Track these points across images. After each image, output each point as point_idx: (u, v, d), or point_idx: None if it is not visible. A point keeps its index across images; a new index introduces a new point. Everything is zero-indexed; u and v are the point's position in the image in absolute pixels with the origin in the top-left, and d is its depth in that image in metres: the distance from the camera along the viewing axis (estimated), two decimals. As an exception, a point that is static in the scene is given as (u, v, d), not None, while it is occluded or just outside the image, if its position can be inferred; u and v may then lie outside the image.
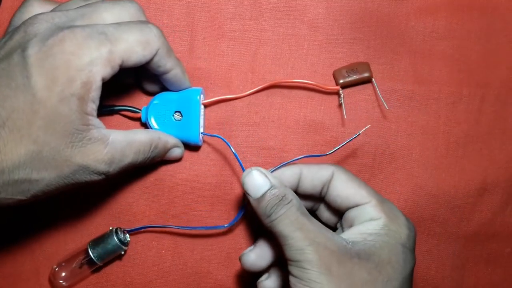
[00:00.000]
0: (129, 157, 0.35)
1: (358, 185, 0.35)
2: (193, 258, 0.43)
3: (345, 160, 0.43)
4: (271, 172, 0.36)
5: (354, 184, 0.35)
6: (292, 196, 0.34)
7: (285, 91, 0.43)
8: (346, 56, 0.43)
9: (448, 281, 0.44)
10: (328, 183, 0.36)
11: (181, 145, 0.41)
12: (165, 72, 0.37)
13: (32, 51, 0.30)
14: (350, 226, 0.35)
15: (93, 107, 0.32)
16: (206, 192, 0.43)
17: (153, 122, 0.40)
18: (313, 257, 0.31)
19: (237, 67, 0.43)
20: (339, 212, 0.37)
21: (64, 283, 0.41)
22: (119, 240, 0.40)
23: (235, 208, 0.43)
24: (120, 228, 0.41)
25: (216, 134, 0.40)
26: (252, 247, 0.38)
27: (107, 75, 0.32)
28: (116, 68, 0.32)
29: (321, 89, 0.42)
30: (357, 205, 0.35)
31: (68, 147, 0.31)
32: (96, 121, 0.32)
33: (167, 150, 0.39)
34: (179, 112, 0.41)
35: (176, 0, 0.43)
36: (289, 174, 0.37)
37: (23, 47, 0.30)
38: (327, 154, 0.38)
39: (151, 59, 0.35)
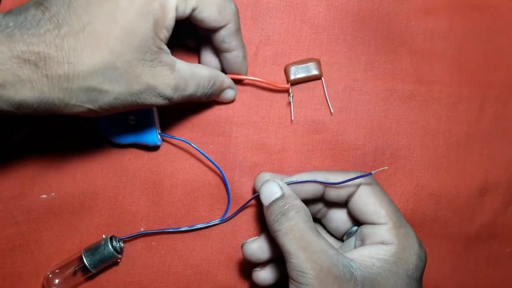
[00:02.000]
0: (190, 88, 0.35)
1: (380, 203, 0.34)
2: (193, 258, 0.43)
3: (346, 160, 0.43)
4: (289, 183, 0.36)
5: (376, 201, 0.35)
6: (301, 208, 0.33)
7: (285, 91, 0.43)
8: (347, 55, 0.43)
9: (448, 281, 0.44)
10: (353, 194, 0.36)
11: (235, 87, 0.41)
12: (227, 51, 0.38)
13: None
14: (361, 241, 0.35)
15: (165, 34, 0.32)
16: (206, 192, 0.43)
17: (107, 132, 0.40)
18: (314, 282, 0.30)
19: (237, 67, 0.43)
20: (358, 222, 0.37)
21: None
22: (114, 248, 0.40)
23: (235, 207, 0.43)
24: (115, 236, 0.41)
25: (179, 137, 0.41)
26: (256, 237, 0.38)
27: (180, 11, 0.33)
28: (188, 11, 0.33)
29: (271, 87, 0.42)
30: (373, 223, 0.34)
31: (140, 63, 0.31)
32: (166, 48, 0.33)
33: (222, 89, 0.40)
34: (131, 116, 0.40)
35: (176, 0, 0.43)
36: (313, 184, 0.36)
37: None
38: (338, 183, 0.36)
39: (219, 29, 0.36)
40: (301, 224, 0.32)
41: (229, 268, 0.43)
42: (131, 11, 0.30)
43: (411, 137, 0.43)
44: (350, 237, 0.37)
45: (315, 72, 0.42)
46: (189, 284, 0.43)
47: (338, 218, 0.38)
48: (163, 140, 0.43)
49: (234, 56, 0.39)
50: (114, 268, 0.43)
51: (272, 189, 0.35)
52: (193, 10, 0.33)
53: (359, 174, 0.35)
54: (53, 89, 0.29)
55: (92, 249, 0.40)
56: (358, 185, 0.35)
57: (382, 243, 0.33)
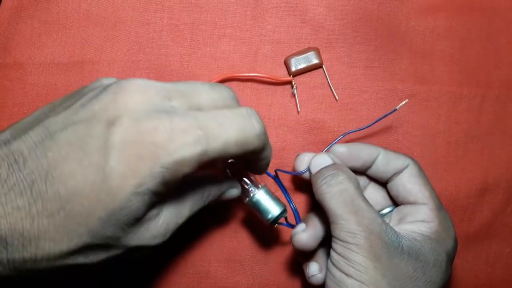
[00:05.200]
0: (185, 214, 0.31)
1: (425, 184, 0.36)
2: (193, 258, 0.43)
3: (345, 160, 0.43)
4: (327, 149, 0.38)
5: (421, 182, 0.36)
6: (351, 175, 0.34)
7: (286, 90, 0.43)
8: (347, 55, 0.43)
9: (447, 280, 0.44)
10: (399, 173, 0.37)
11: (237, 185, 0.36)
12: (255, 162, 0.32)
13: (120, 129, 0.25)
14: (400, 220, 0.36)
15: (164, 197, 0.28)
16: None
17: None
18: (364, 243, 0.31)
19: (238, 68, 0.43)
20: (395, 202, 0.38)
21: None
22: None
23: (236, 206, 0.43)
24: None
25: None
26: (303, 225, 0.37)
27: (190, 173, 0.26)
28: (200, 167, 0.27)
29: (274, 81, 0.42)
30: (415, 203, 0.35)
31: (125, 235, 0.27)
32: (157, 203, 0.28)
33: (222, 192, 0.35)
34: None
35: (176, 0, 0.43)
36: (367, 153, 0.37)
37: (110, 121, 0.25)
38: (365, 127, 0.40)
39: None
40: (352, 189, 0.33)
41: (229, 268, 0.43)
42: (123, 191, 0.25)
43: (411, 137, 0.43)
44: (383, 217, 0.38)
45: (315, 61, 0.42)
46: (189, 284, 0.43)
47: (375, 196, 0.39)
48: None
49: (260, 164, 0.33)
50: (113, 268, 0.43)
51: (323, 159, 0.36)
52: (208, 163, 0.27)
53: (407, 156, 0.37)
54: (13, 272, 0.25)
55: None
56: (407, 165, 0.36)
57: (423, 221, 0.34)
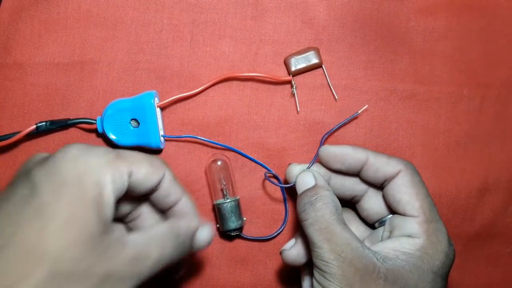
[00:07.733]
0: (154, 252, 0.30)
1: (416, 194, 0.34)
2: (195, 258, 0.43)
3: (345, 160, 0.43)
4: (310, 165, 0.38)
5: (412, 192, 0.34)
6: (329, 199, 0.34)
7: (285, 90, 0.43)
8: (347, 56, 0.43)
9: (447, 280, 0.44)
10: (391, 179, 0.35)
11: (207, 224, 0.35)
12: (175, 202, 0.34)
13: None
14: (390, 231, 0.35)
15: (107, 213, 0.28)
16: (206, 192, 0.43)
17: (110, 135, 0.40)
18: (336, 271, 0.31)
19: (238, 68, 0.43)
20: (391, 210, 0.37)
21: None
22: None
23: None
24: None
25: (183, 135, 0.42)
26: (293, 241, 0.38)
27: (118, 182, 0.29)
28: (126, 177, 0.29)
29: (273, 80, 0.42)
30: (404, 214, 0.34)
31: (86, 255, 0.26)
32: (112, 225, 0.29)
33: (192, 233, 0.33)
34: (135, 119, 0.40)
35: (176, 0, 0.43)
36: (353, 157, 0.36)
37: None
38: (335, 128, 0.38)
39: (159, 185, 0.32)
40: (327, 216, 0.33)
41: (230, 267, 0.43)
42: (62, 212, 0.26)
43: (411, 137, 0.43)
44: (382, 225, 0.37)
45: (315, 60, 0.42)
46: (189, 285, 0.43)
47: (372, 206, 0.38)
48: (165, 141, 0.43)
49: (183, 204, 0.34)
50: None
51: (306, 179, 0.36)
52: (130, 175, 0.30)
53: (400, 161, 0.35)
54: None
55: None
56: (398, 171, 0.35)
57: (410, 236, 0.33)
